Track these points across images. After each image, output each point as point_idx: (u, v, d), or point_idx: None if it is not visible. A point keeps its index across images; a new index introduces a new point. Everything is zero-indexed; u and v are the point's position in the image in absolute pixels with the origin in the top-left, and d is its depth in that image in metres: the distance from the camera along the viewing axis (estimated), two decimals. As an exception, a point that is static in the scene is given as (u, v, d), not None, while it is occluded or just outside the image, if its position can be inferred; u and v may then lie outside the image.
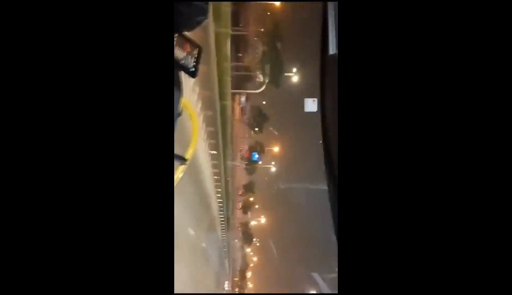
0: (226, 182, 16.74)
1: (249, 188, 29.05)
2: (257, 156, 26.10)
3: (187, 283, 8.44)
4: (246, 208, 30.11)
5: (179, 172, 0.83)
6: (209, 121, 10.32)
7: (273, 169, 29.21)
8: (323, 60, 0.78)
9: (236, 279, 33.50)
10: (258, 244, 33.93)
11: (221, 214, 17.86)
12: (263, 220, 30.49)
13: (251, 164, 26.62)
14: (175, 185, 0.79)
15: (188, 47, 0.78)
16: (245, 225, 30.62)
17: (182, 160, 0.83)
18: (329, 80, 0.77)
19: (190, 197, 8.73)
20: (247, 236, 30.55)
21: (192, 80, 0.87)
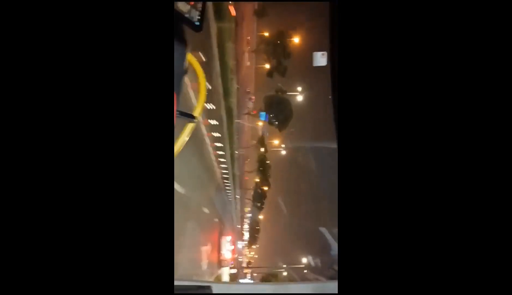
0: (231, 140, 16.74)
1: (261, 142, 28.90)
2: (265, 114, 25.93)
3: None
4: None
5: (188, 130, 0.82)
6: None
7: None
8: (332, 9, 0.74)
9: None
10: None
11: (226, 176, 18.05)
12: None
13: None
14: (184, 143, 0.78)
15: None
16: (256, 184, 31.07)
17: (191, 117, 0.82)
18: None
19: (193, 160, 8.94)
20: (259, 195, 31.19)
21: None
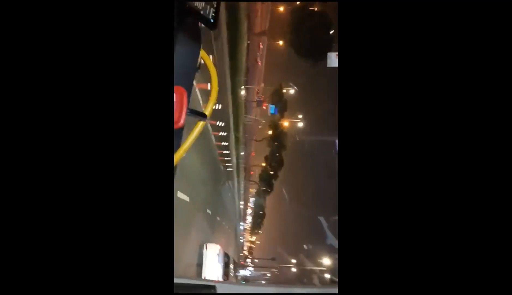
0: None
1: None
2: (275, 108, 26.06)
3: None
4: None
5: (198, 128, 0.80)
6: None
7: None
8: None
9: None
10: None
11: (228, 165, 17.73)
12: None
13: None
14: (194, 139, 0.77)
15: None
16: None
17: (202, 116, 0.80)
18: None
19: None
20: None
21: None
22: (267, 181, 29.17)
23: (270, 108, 25.66)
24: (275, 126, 26.85)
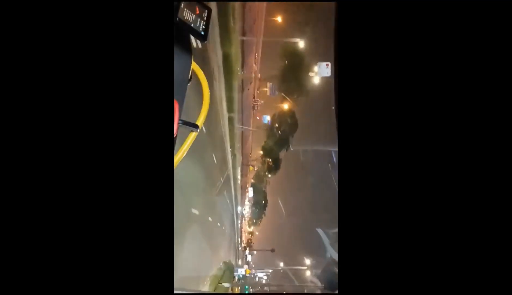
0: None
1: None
2: (268, 119, 25.86)
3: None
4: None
5: (190, 139, 0.82)
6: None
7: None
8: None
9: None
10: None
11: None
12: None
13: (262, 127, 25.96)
14: (186, 151, 0.79)
15: (197, 9, 0.75)
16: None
17: (194, 127, 0.82)
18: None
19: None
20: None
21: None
22: (273, 152, 25.61)
23: (264, 118, 25.51)
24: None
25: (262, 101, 24.29)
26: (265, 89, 23.02)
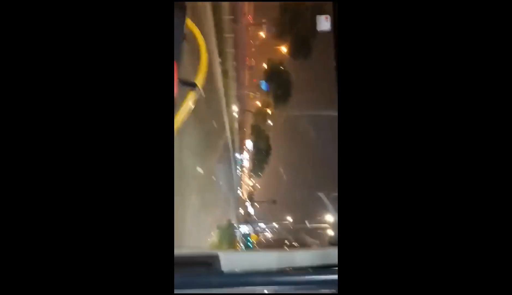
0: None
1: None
2: (265, 84, 25.29)
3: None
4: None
5: (190, 99, 0.77)
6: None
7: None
8: None
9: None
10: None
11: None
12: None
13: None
14: (188, 114, 0.75)
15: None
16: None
17: (193, 85, 0.77)
18: None
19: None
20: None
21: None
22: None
23: (261, 83, 24.98)
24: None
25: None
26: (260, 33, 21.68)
